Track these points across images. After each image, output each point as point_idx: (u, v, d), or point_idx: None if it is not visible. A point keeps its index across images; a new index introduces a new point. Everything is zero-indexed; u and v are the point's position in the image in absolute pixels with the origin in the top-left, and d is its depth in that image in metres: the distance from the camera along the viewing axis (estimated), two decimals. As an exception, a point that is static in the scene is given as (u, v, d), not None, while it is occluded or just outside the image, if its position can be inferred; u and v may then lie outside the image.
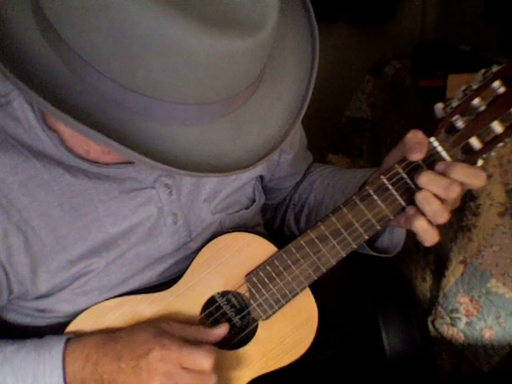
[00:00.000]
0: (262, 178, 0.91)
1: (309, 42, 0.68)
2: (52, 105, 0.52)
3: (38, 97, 0.52)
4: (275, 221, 1.05)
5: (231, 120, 0.62)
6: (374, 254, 0.80)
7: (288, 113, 0.66)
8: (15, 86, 0.53)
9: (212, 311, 0.79)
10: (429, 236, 0.67)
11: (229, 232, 0.78)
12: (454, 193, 0.65)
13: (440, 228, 0.68)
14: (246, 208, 0.87)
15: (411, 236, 0.73)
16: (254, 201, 0.89)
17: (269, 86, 0.65)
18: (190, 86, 0.55)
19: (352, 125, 1.87)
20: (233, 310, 0.80)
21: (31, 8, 0.57)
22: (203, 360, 0.69)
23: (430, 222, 0.67)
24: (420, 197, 0.66)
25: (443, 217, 0.66)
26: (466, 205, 1.21)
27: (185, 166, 0.57)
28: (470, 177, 0.65)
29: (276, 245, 0.77)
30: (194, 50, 0.52)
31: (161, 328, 0.71)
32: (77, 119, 0.52)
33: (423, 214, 0.67)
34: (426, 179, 0.65)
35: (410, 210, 0.68)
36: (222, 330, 0.75)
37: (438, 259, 1.34)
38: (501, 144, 0.65)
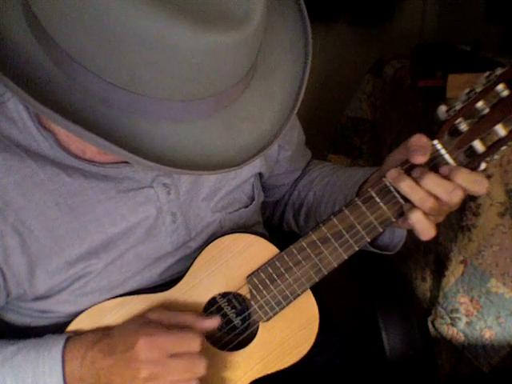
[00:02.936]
0: (260, 175, 0.91)
1: (302, 41, 0.68)
2: (40, 102, 0.52)
3: (26, 94, 0.52)
4: (274, 218, 1.05)
5: (222, 118, 0.61)
6: (375, 250, 0.80)
7: (280, 111, 0.65)
8: (2, 82, 0.53)
9: (213, 312, 0.79)
10: (425, 228, 0.67)
11: (230, 233, 0.78)
12: (458, 197, 0.65)
13: (439, 227, 0.68)
14: (246, 207, 0.87)
15: (412, 235, 0.73)
16: (253, 199, 0.88)
17: (261, 84, 0.64)
18: (175, 81, 0.54)
19: (352, 125, 1.86)
20: (234, 311, 0.80)
21: (21, 4, 0.57)
22: (190, 341, 0.69)
23: (425, 213, 0.66)
24: (416, 197, 0.66)
25: (438, 219, 0.68)
26: (466, 205, 1.22)
27: (174, 163, 0.56)
28: (473, 183, 0.64)
29: (277, 246, 0.77)
30: (176, 45, 0.51)
31: (147, 317, 0.71)
32: (65, 117, 0.52)
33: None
34: (430, 181, 0.65)
35: (406, 205, 0.68)
36: (212, 321, 0.73)
37: (438, 259, 1.34)
38: (504, 147, 0.65)
